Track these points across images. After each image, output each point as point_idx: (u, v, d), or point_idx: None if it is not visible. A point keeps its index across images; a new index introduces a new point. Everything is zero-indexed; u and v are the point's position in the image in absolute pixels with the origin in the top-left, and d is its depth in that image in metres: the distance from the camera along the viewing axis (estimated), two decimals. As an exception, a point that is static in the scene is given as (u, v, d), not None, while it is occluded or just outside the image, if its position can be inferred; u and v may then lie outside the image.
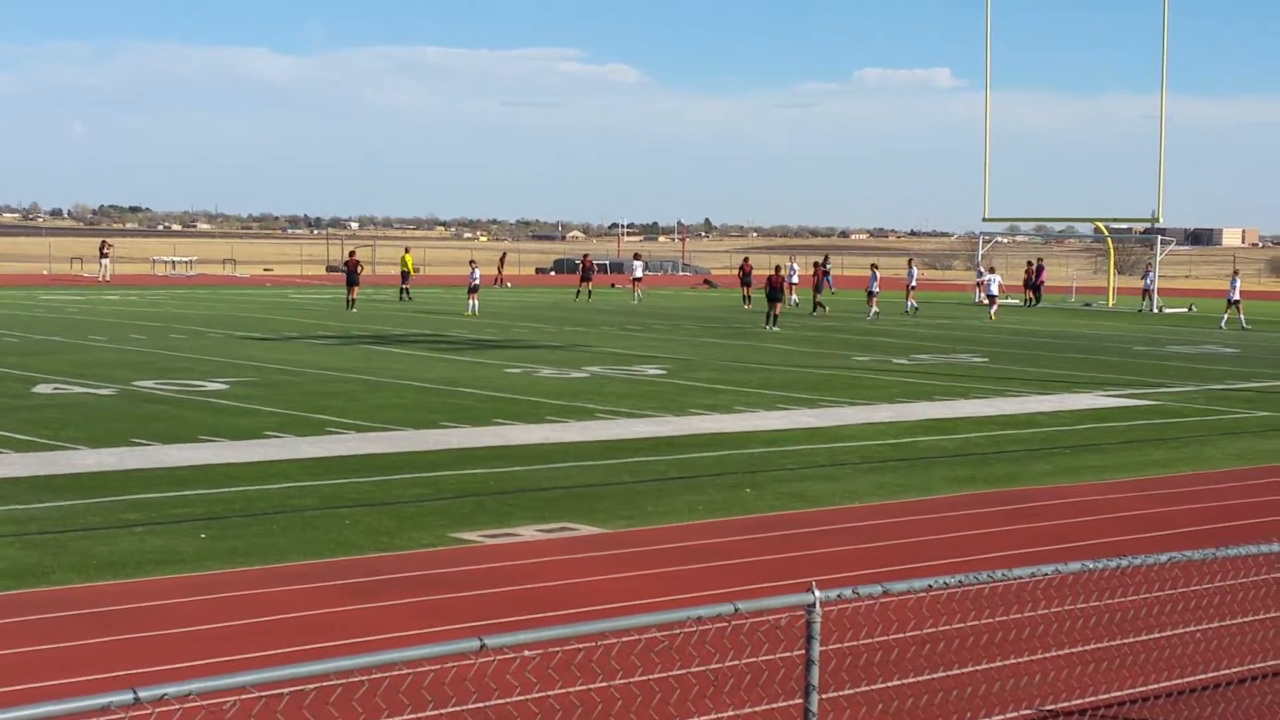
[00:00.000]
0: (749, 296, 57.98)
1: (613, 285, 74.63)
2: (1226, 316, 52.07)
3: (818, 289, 56.32)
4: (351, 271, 52.88)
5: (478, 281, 51.55)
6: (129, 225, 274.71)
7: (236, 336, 38.09)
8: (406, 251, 62.67)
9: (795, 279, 59.34)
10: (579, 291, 62.15)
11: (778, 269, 49.09)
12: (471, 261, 53.87)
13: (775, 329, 44.77)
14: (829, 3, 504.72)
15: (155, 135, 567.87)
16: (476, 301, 50.91)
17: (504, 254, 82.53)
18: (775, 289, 46.64)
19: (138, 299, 56.81)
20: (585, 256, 69.48)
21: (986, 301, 58.33)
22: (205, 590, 11.60)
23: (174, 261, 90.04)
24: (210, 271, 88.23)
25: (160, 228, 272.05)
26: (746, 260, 62.57)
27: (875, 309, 53.09)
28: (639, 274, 65.46)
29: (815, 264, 59.60)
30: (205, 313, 48.72)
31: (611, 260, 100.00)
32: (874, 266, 55.56)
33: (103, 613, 10.88)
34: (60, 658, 9.70)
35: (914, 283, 59.81)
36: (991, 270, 59.99)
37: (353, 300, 51.86)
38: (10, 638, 10.16)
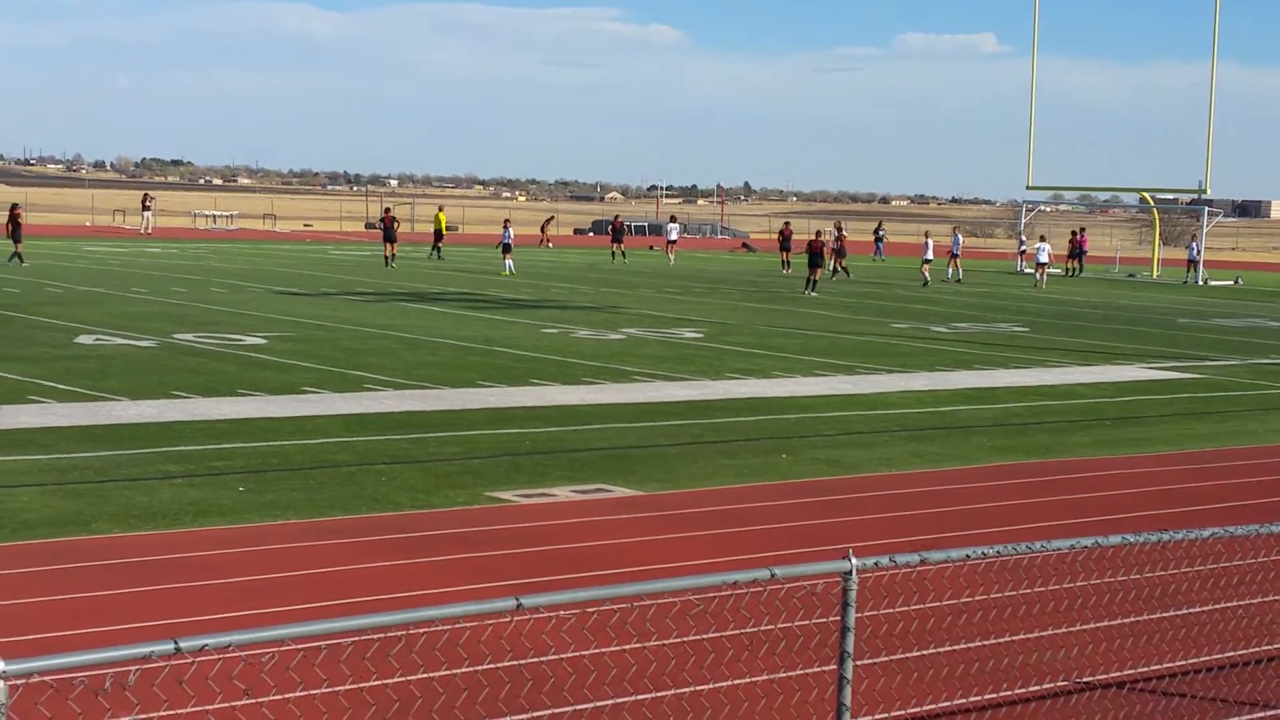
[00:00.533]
0: (789, 261, 57.87)
1: (650, 248, 74.48)
2: None
3: (840, 254, 56.05)
4: (388, 228, 53.06)
5: (510, 240, 51.60)
6: (171, 179, 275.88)
7: (275, 291, 38.23)
8: (440, 210, 62.61)
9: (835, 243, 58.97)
10: (614, 254, 61.98)
11: (818, 234, 49.20)
12: (506, 220, 53.92)
13: (814, 294, 44.70)
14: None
15: (198, 89, 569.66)
16: (511, 261, 51.03)
17: (551, 216, 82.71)
18: (815, 254, 46.66)
19: (179, 252, 57.06)
20: (616, 218, 69.11)
21: (1035, 270, 58.40)
22: (244, 543, 11.68)
23: (215, 215, 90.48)
24: (250, 226, 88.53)
25: (202, 181, 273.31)
26: (786, 225, 62.30)
27: (927, 276, 53.49)
28: (674, 236, 65.21)
29: (836, 229, 59.01)
30: (245, 267, 48.90)
31: (650, 222, 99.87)
32: (927, 234, 56.33)
33: (142, 562, 10.96)
34: (100, 606, 9.79)
35: (959, 250, 59.48)
36: (1042, 239, 59.96)
37: (390, 257, 52.01)
38: (52, 585, 10.25)
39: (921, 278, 53.70)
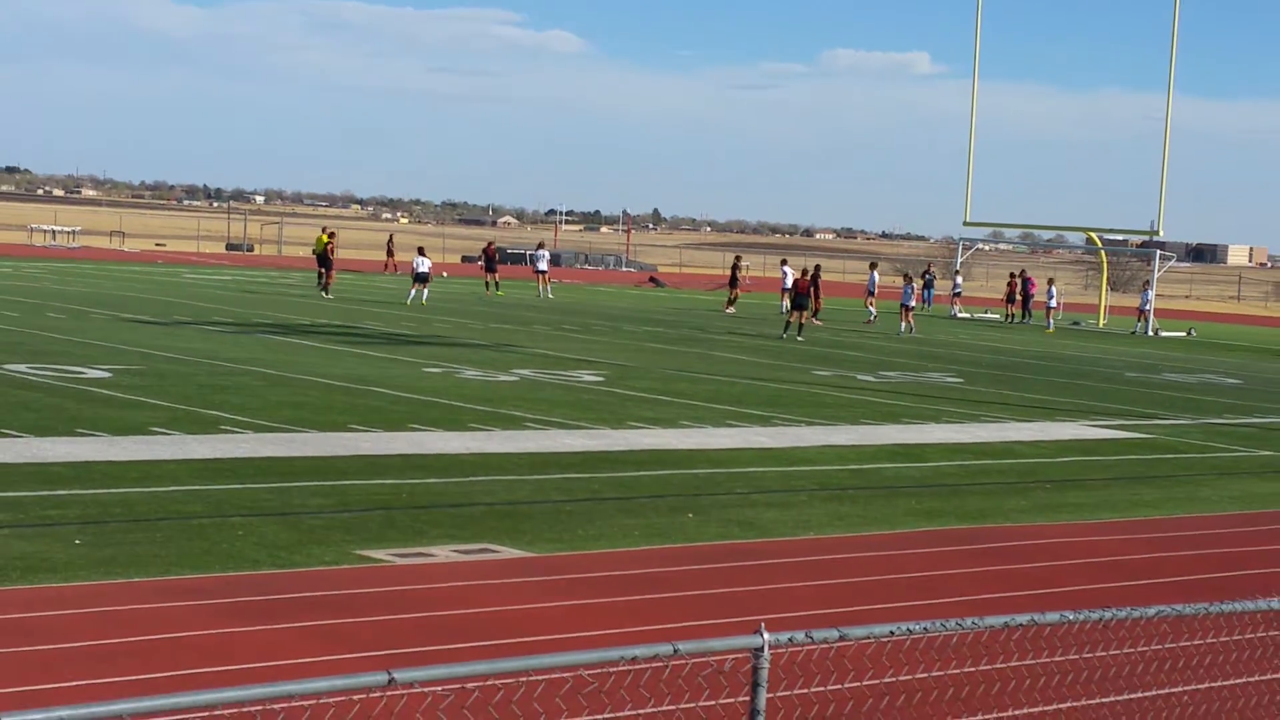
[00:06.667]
0: (734, 300, 58.52)
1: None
2: None
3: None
4: (326, 256, 53.66)
5: (425, 269, 52.26)
6: (5, 188, 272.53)
7: (122, 319, 37.82)
8: (326, 232, 62.34)
9: (789, 283, 59.23)
10: (487, 284, 61.79)
11: (805, 272, 49.27)
12: (419, 249, 55.01)
13: (800, 339, 44.83)
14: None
15: (37, 89, 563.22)
16: (426, 290, 51.78)
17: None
18: (801, 295, 46.73)
19: (11, 271, 56.30)
20: (490, 244, 67.00)
21: (1045, 315, 62.09)
22: (78, 603, 11.51)
23: (54, 231, 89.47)
24: (95, 244, 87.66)
25: (40, 192, 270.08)
26: (739, 257, 62.76)
27: (909, 322, 54.76)
28: (543, 266, 63.41)
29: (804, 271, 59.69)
30: (88, 290, 48.35)
31: (552, 251, 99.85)
32: (907, 277, 58.26)
33: (-40, 625, 10.77)
34: (-91, 674, 9.60)
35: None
36: (1051, 282, 62.65)
37: (326, 285, 53.03)
38: None
39: (900, 325, 54.86)
